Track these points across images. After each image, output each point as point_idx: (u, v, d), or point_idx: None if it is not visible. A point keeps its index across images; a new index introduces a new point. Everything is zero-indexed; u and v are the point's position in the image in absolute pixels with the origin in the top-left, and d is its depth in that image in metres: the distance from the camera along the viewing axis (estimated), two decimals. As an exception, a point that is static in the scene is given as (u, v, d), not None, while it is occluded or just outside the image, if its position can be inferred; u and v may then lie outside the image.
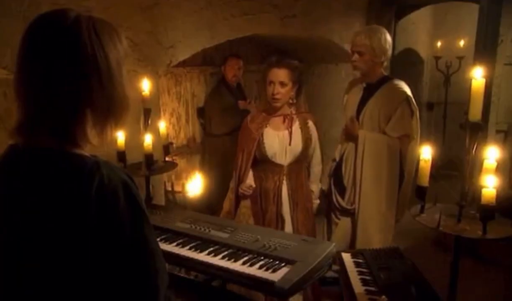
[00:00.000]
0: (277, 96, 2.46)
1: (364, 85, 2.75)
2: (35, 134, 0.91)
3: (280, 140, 2.52)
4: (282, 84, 2.45)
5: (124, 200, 0.88)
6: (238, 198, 2.62)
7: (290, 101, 2.53)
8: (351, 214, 2.72)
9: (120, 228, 0.87)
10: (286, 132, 2.53)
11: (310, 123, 2.60)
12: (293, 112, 2.58)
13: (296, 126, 2.55)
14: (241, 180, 2.58)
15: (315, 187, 2.71)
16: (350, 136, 2.71)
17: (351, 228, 2.72)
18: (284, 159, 2.52)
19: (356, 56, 2.65)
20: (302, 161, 2.61)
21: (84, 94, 0.90)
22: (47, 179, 0.88)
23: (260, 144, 2.53)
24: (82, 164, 0.90)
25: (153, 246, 0.93)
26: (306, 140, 2.55)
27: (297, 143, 2.53)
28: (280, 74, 2.45)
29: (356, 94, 2.78)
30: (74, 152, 0.92)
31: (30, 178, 0.90)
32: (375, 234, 2.64)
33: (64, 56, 0.88)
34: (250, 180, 2.57)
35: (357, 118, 2.70)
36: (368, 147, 2.65)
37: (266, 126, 2.56)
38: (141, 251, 0.91)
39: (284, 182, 2.54)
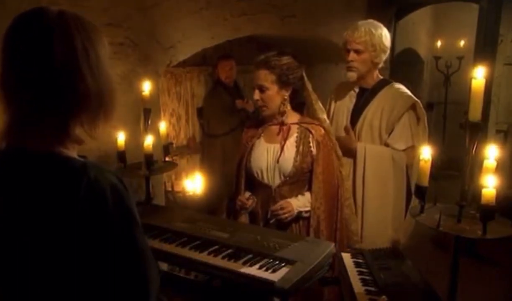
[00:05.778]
0: (259, 103, 2.05)
1: (357, 90, 2.42)
2: (21, 137, 0.89)
3: (269, 155, 2.07)
4: (262, 88, 2.01)
5: (112, 202, 0.87)
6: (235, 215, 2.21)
7: (282, 108, 2.06)
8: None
9: (108, 230, 0.87)
10: (278, 146, 2.07)
11: (316, 137, 2.06)
12: (295, 120, 2.11)
13: (292, 139, 2.06)
14: (236, 194, 2.19)
15: None
16: (345, 150, 2.26)
17: None
18: (272, 179, 2.07)
19: (353, 55, 2.29)
20: (298, 186, 2.08)
21: (74, 88, 0.89)
22: (33, 182, 0.87)
23: (248, 157, 2.13)
24: (69, 167, 0.89)
25: (142, 247, 0.92)
26: (303, 159, 2.03)
27: (288, 161, 2.03)
28: (258, 76, 2.01)
29: (348, 101, 2.44)
30: (61, 154, 0.90)
31: (16, 182, 0.88)
32: None
33: (51, 51, 0.86)
34: (248, 194, 2.16)
35: (352, 129, 2.35)
36: (370, 163, 2.28)
37: (259, 137, 2.15)
38: (130, 252, 0.90)
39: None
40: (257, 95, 2.03)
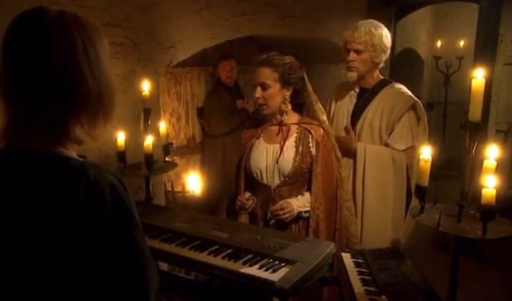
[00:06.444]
0: (259, 101, 2.03)
1: (357, 90, 2.42)
2: (20, 136, 0.89)
3: (268, 155, 2.07)
4: (264, 86, 2.00)
5: (111, 202, 0.86)
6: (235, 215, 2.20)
7: (283, 108, 2.06)
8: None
9: (107, 230, 0.86)
10: (278, 146, 2.07)
11: (316, 138, 2.06)
12: (295, 120, 2.11)
13: (291, 140, 2.06)
14: (236, 194, 2.18)
15: None
16: (345, 150, 2.26)
17: None
18: (271, 179, 2.07)
19: (353, 55, 2.29)
20: (297, 187, 2.07)
21: (74, 88, 0.88)
22: (32, 182, 0.87)
23: (247, 157, 2.13)
24: (68, 166, 0.88)
25: (141, 248, 0.92)
26: (302, 159, 2.03)
27: (287, 162, 2.03)
28: (260, 74, 2.01)
29: (348, 101, 2.44)
30: (61, 154, 0.90)
31: (15, 181, 0.88)
32: None
33: (50, 50, 0.86)
34: (248, 194, 2.15)
35: (352, 129, 2.34)
36: (369, 163, 2.28)
37: (259, 137, 2.15)
38: (129, 253, 0.90)
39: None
40: (258, 93, 2.02)
